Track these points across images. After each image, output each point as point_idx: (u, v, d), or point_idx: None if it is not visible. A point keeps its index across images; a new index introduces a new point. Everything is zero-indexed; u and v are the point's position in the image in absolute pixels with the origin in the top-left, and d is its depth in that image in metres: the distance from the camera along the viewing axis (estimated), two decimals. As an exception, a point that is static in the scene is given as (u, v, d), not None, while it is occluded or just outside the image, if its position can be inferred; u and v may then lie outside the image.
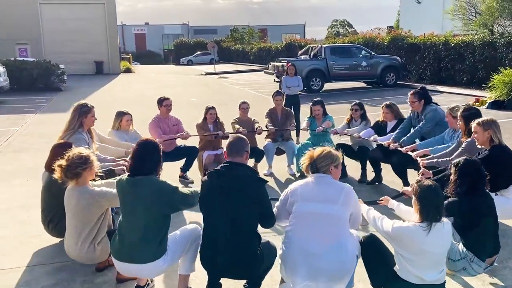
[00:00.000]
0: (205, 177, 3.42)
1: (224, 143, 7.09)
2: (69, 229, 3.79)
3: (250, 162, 7.23)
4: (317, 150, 3.36)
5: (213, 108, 6.97)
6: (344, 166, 6.52)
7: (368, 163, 6.65)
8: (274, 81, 19.40)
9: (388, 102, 6.54)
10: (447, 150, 4.93)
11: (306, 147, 7.02)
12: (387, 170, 6.48)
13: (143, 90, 21.15)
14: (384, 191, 6.03)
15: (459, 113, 4.79)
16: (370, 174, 6.65)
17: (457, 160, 3.69)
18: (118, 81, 27.18)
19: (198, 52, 51.39)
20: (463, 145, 4.63)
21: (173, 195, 3.33)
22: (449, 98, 15.57)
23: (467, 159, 3.67)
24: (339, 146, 6.62)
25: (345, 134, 6.82)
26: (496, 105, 13.04)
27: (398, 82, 19.47)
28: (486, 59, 17.10)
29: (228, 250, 3.23)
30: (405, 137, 5.84)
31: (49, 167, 4.18)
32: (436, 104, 6.08)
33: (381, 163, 6.49)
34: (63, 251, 4.03)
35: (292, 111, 7.69)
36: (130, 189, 3.29)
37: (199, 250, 3.43)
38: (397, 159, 5.88)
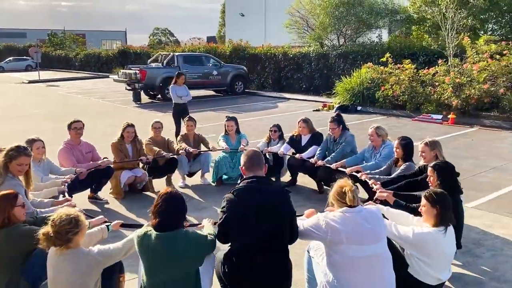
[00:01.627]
0: (230, 195, 3.17)
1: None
2: None
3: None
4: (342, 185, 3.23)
5: (132, 126, 6.53)
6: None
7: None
8: (126, 89, 18.54)
9: (304, 117, 6.87)
10: (381, 169, 5.39)
11: (224, 160, 7.05)
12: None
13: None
14: (308, 193, 6.62)
15: (396, 142, 5.17)
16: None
17: (434, 163, 4.07)
18: None
19: (11, 58, 45.67)
20: (402, 167, 5.07)
21: (206, 245, 3.14)
22: (298, 104, 17.16)
23: (444, 162, 4.10)
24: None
25: (268, 152, 6.94)
26: (341, 109, 14.84)
27: (245, 90, 20.59)
28: (321, 69, 19.28)
29: (266, 270, 3.11)
30: (329, 158, 6.18)
31: None
32: (348, 129, 6.52)
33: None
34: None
35: (203, 135, 7.46)
36: (162, 246, 2.96)
37: (228, 273, 3.21)
38: (323, 172, 6.20)
